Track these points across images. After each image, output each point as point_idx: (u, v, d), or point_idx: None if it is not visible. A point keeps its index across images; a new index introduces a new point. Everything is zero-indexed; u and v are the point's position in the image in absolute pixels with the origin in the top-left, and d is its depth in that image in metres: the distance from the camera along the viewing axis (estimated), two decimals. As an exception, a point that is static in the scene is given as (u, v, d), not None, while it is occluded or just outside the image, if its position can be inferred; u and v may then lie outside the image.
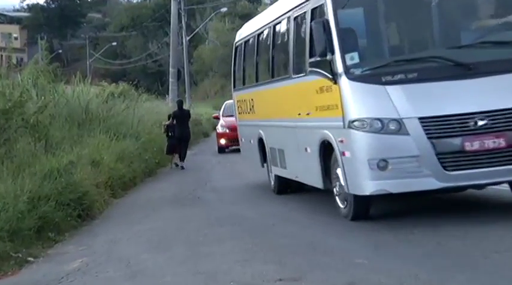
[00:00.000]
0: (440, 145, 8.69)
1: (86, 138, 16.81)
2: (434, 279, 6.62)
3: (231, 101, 27.63)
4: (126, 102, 23.89)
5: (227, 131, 24.58)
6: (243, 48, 14.74)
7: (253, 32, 13.88)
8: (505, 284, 6.43)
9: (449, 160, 8.69)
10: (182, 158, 20.52)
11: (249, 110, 14.25)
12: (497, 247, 7.51)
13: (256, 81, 13.50)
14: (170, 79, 34.22)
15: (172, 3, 34.29)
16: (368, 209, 9.50)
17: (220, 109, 28.45)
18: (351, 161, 9.04)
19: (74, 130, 17.16)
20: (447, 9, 9.83)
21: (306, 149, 10.60)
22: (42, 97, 16.43)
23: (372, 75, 9.01)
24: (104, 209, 13.21)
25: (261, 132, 13.36)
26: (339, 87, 9.12)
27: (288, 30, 11.37)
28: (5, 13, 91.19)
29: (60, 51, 76.85)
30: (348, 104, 9.01)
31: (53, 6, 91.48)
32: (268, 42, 12.63)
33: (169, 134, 20.47)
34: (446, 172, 8.68)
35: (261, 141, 13.48)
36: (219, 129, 25.47)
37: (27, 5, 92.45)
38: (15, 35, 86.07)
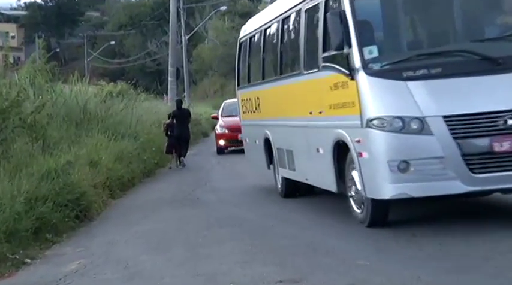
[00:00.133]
0: (467, 146, 8.23)
1: (84, 137, 16.80)
2: (437, 281, 6.63)
3: (230, 101, 27.86)
4: (125, 101, 23.88)
5: (226, 131, 24.34)
6: (248, 44, 14.21)
7: (259, 27, 13.38)
8: (508, 286, 6.44)
9: (477, 161, 8.24)
10: (184, 154, 20.59)
11: (254, 109, 13.72)
12: (500, 248, 7.51)
13: (263, 78, 12.99)
14: (169, 79, 34.18)
15: (172, 1, 34.27)
16: (386, 215, 9.00)
17: (219, 109, 28.21)
18: (369, 163, 8.57)
19: (72, 130, 17.14)
20: None
21: (317, 150, 10.14)
22: (40, 97, 16.43)
23: (392, 70, 8.54)
24: (102, 210, 13.20)
25: (267, 132, 12.88)
26: (356, 83, 8.64)
27: (298, 23, 10.87)
28: (2, 11, 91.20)
29: (58, 50, 76.83)
30: (366, 101, 8.53)
31: (50, 4, 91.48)
32: (276, 37, 12.15)
33: (169, 133, 20.54)
34: (473, 174, 8.23)
35: (267, 142, 13.00)
36: (218, 130, 25.11)
37: (25, 3, 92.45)
38: (12, 34, 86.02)
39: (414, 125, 8.27)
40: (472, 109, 8.26)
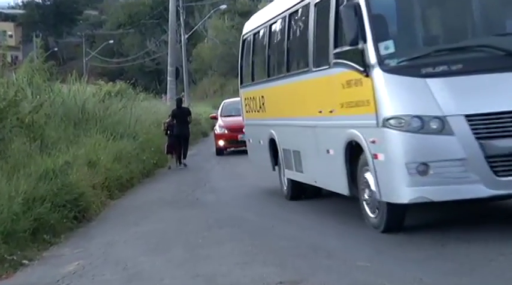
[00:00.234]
0: (490, 147, 7.85)
1: (82, 137, 16.81)
2: (438, 283, 6.63)
3: (229, 100, 27.74)
4: (123, 101, 23.90)
5: (226, 132, 24.00)
6: (251, 41, 13.86)
7: (264, 23, 13.00)
8: (511, 288, 6.44)
9: (501, 164, 7.85)
10: (184, 156, 20.65)
11: (258, 108, 13.33)
12: (502, 250, 7.50)
13: (268, 76, 12.63)
14: (168, 78, 34.18)
15: (171, 0, 34.27)
16: (403, 220, 8.62)
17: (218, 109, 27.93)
18: (385, 165, 8.17)
19: (70, 130, 17.15)
20: None
21: (327, 151, 9.78)
22: (38, 96, 16.43)
23: (410, 66, 8.14)
24: (100, 210, 13.20)
25: (272, 131, 12.52)
26: (371, 81, 8.25)
27: (306, 18, 10.45)
28: (0, 10, 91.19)
29: (56, 49, 76.89)
30: (382, 100, 8.14)
31: (48, 3, 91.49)
32: (283, 33, 11.75)
33: (168, 133, 20.61)
34: (497, 177, 7.84)
35: (272, 142, 12.64)
36: (217, 130, 24.62)
37: (22, 1, 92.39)
38: (9, 33, 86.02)
39: (434, 125, 7.90)
40: (496, 108, 7.88)
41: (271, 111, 12.63)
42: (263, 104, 13.01)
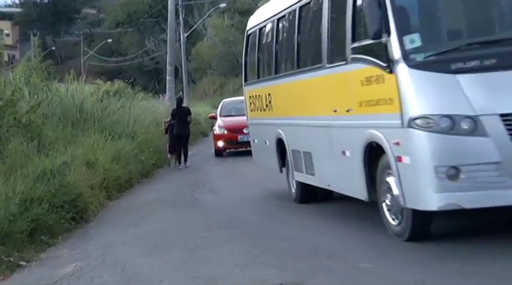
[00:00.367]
0: None
1: (80, 137, 16.81)
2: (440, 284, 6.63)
3: (228, 99, 27.60)
4: (122, 100, 23.91)
5: (225, 132, 23.39)
6: (257, 36, 13.35)
7: (271, 17, 12.48)
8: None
9: None
10: (184, 157, 20.73)
11: (264, 107, 12.85)
12: (506, 251, 7.50)
13: (276, 73, 12.14)
14: (167, 77, 34.18)
15: (170, -2, 34.26)
16: (429, 228, 8.16)
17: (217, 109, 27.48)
18: (411, 169, 7.65)
19: (68, 130, 17.15)
20: None
21: (343, 152, 9.26)
22: (35, 96, 16.43)
23: (438, 61, 7.61)
24: (98, 211, 13.20)
25: (280, 131, 12.06)
26: (395, 77, 7.73)
27: (320, 10, 9.90)
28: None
29: (54, 48, 76.84)
30: (408, 98, 7.60)
31: (46, 1, 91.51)
32: (293, 27, 11.19)
33: (168, 132, 20.68)
34: None
35: (279, 142, 12.18)
36: (216, 130, 23.89)
37: (19, 0, 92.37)
38: (6, 32, 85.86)
39: (465, 125, 7.38)
40: None
41: (279, 110, 12.16)
42: (270, 102, 12.55)
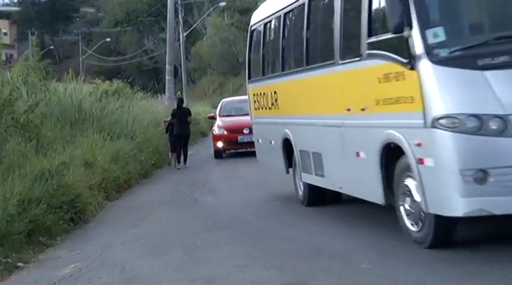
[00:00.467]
0: None
1: (79, 137, 16.81)
2: (442, 286, 6.64)
3: (228, 99, 27.42)
4: (121, 100, 23.90)
5: (225, 133, 22.91)
6: (262, 32, 12.93)
7: (277, 11, 12.02)
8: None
9: None
10: (184, 158, 20.77)
11: (270, 105, 12.44)
12: (509, 253, 7.50)
13: (282, 70, 11.75)
14: (166, 77, 34.22)
15: (169, -3, 34.29)
16: (452, 234, 7.79)
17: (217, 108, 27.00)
18: (434, 172, 7.24)
19: (66, 130, 17.15)
20: None
21: (357, 154, 8.88)
22: (33, 96, 16.43)
23: (464, 56, 7.21)
24: (97, 212, 13.21)
25: (287, 131, 11.67)
26: (416, 74, 7.32)
27: (331, 3, 9.50)
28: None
29: (52, 47, 76.92)
30: (431, 96, 7.19)
31: (44, 0, 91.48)
32: (301, 22, 10.77)
33: (169, 131, 20.72)
34: None
35: (286, 142, 11.81)
36: (216, 131, 23.37)
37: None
38: (4, 30, 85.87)
39: (494, 125, 6.97)
40: None
41: (285, 109, 11.78)
42: (276, 101, 12.16)
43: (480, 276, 6.78)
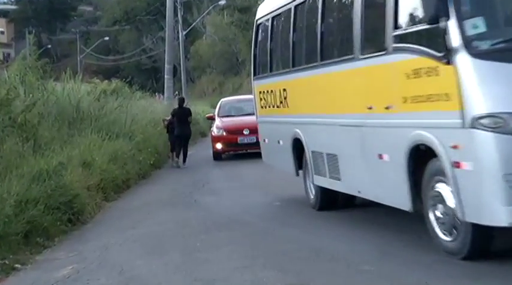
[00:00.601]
0: None
1: (77, 137, 16.81)
2: (445, 287, 6.64)
3: (227, 99, 27.12)
4: (119, 99, 23.90)
5: (224, 134, 22.33)
6: (269, 26, 12.38)
7: (287, 4, 11.47)
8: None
9: None
10: (183, 158, 20.81)
11: (278, 103, 11.91)
12: None
13: (293, 66, 11.22)
14: (166, 76, 34.23)
15: (168, -5, 34.29)
16: (491, 245, 7.25)
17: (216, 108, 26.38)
18: (473, 177, 6.71)
19: (64, 130, 17.15)
20: None
21: (380, 156, 8.36)
22: (31, 95, 16.43)
23: (507, 49, 6.72)
24: (95, 213, 13.20)
25: (297, 130, 11.17)
26: (453, 69, 6.78)
27: None
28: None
29: (49, 46, 76.91)
30: (470, 93, 6.64)
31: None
32: (315, 14, 10.23)
33: (170, 130, 20.78)
34: None
35: (296, 143, 11.32)
36: (215, 132, 22.73)
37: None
38: (1, 29, 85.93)
39: None
40: None
41: (296, 107, 11.25)
42: (285, 98, 11.60)
43: (483, 277, 6.78)
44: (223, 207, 12.94)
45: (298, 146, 11.34)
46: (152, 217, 12.46)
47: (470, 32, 6.79)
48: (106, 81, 32.34)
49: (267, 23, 12.68)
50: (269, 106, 12.53)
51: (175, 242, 9.93)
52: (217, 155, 22.66)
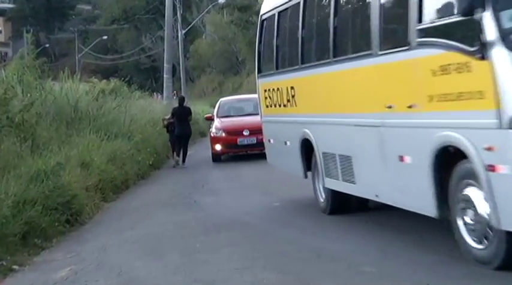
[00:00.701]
0: None
1: (75, 137, 16.81)
2: (447, 288, 6.64)
3: (226, 98, 26.80)
4: (118, 99, 23.90)
5: (223, 135, 21.74)
6: (276, 21, 11.90)
7: None
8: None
9: None
10: (183, 158, 20.84)
11: (285, 102, 11.47)
12: None
13: (302, 63, 10.77)
14: (165, 76, 34.28)
15: (167, -6, 34.34)
16: None
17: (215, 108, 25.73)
18: (510, 181, 6.28)
19: (62, 130, 17.16)
20: None
21: (401, 158, 7.92)
22: (28, 95, 16.42)
23: None
24: (94, 213, 13.21)
25: (306, 131, 10.73)
26: (489, 64, 6.36)
27: None
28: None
29: (47, 45, 76.73)
30: (509, 90, 6.25)
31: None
32: (327, 8, 9.91)
33: (170, 129, 20.78)
34: None
35: (305, 143, 10.90)
36: (214, 133, 22.14)
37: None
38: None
39: None
40: None
41: (305, 106, 10.84)
42: (293, 97, 11.17)
43: (484, 278, 6.78)
44: (223, 208, 12.95)
45: (307, 147, 10.93)
46: (151, 217, 12.47)
47: (508, 24, 6.39)
48: (104, 80, 32.28)
49: (272, 18, 12.20)
50: (275, 106, 12.12)
51: (175, 243, 9.94)
52: (216, 157, 22.18)
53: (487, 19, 6.38)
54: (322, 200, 10.94)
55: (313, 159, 10.87)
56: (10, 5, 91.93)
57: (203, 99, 57.02)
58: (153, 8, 70.90)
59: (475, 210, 6.95)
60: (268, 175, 14.70)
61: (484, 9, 6.39)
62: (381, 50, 8.23)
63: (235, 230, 10.51)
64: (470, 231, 7.11)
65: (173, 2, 37.61)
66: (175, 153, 20.98)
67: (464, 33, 6.69)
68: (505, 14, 6.39)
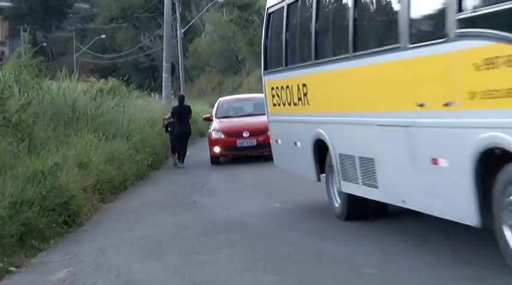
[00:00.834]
0: None
1: (73, 137, 16.81)
2: (449, 290, 6.65)
3: (225, 98, 26.46)
4: (116, 99, 23.89)
5: (222, 136, 21.15)
6: (285, 13, 11.28)
7: None
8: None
9: None
10: (182, 157, 20.89)
11: (296, 100, 10.88)
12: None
13: (316, 58, 10.15)
14: (164, 75, 34.22)
15: (166, -8, 34.32)
16: None
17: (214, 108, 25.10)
18: None
19: (60, 130, 17.16)
20: None
21: (435, 160, 7.29)
22: (25, 94, 16.43)
23: None
24: (92, 214, 13.21)
25: (320, 131, 10.16)
26: None
27: None
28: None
29: (45, 44, 76.82)
30: None
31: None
32: None
33: (169, 129, 20.78)
34: None
35: (318, 144, 10.35)
36: (212, 134, 21.50)
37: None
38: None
39: None
40: None
41: (319, 104, 10.26)
42: (305, 95, 10.59)
43: (485, 279, 6.79)
44: (222, 208, 12.95)
45: (320, 149, 10.37)
46: (150, 218, 12.47)
47: None
48: (103, 79, 32.30)
49: (280, 11, 11.55)
50: (283, 104, 11.53)
51: (174, 244, 9.95)
52: (215, 160, 21.63)
53: None
54: (337, 205, 10.42)
55: (327, 161, 10.35)
56: (7, 4, 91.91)
57: (202, 99, 57.04)
58: (151, 6, 70.90)
59: None
60: (269, 175, 14.72)
61: None
62: (410, 43, 7.61)
63: (235, 231, 10.52)
64: None
65: (172, 1, 37.60)
66: (175, 155, 20.98)
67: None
68: None
